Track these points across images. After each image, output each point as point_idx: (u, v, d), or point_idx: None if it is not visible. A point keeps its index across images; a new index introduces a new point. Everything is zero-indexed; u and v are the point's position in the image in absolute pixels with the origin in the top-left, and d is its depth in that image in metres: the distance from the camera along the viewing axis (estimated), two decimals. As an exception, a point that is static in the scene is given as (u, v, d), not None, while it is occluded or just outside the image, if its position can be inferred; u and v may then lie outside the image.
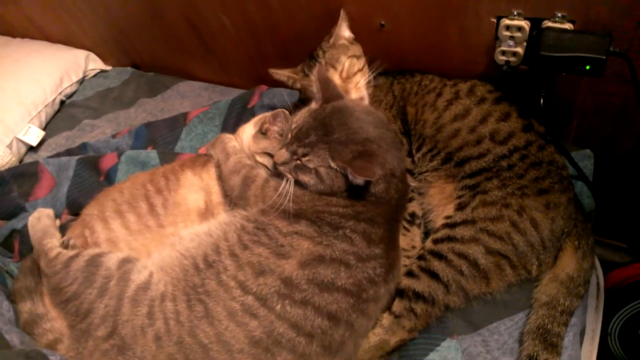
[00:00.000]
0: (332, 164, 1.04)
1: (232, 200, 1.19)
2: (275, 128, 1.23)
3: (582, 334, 1.14)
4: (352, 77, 1.32)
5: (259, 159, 1.25)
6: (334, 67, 1.32)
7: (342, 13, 1.35)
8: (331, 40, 1.35)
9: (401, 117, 1.35)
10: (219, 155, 1.27)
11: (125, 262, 1.08)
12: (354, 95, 1.32)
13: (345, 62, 1.32)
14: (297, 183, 1.09)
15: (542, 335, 1.06)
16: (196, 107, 1.78)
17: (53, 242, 1.17)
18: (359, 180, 1.01)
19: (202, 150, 1.58)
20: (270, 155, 1.21)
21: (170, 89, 1.94)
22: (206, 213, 1.24)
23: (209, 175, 1.28)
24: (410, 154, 1.33)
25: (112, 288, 1.04)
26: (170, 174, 1.28)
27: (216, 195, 1.25)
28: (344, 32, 1.36)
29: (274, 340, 0.95)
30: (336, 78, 1.31)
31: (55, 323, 1.11)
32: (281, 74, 1.41)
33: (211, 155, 1.31)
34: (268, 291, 0.98)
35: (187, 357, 0.95)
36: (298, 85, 1.40)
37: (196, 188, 1.26)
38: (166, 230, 1.21)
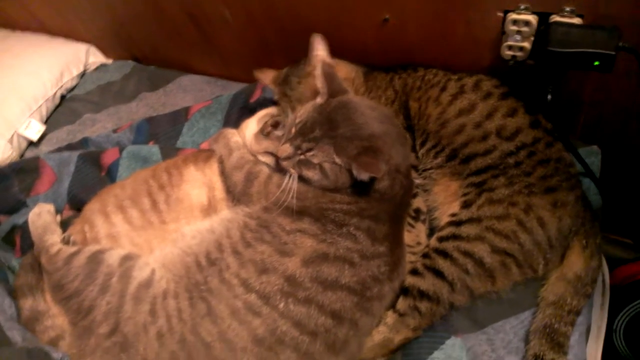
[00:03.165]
0: (337, 160, 1.03)
1: (235, 196, 1.18)
2: (277, 133, 1.22)
3: (587, 331, 1.13)
4: None
5: (262, 157, 1.23)
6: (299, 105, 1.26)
7: (317, 38, 1.28)
8: (307, 69, 1.31)
9: (404, 112, 1.33)
10: (222, 150, 1.26)
11: (127, 259, 1.07)
12: None
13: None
14: (301, 179, 1.08)
15: (549, 335, 1.05)
16: (198, 101, 1.77)
17: (54, 239, 1.16)
18: (364, 176, 1.00)
19: (204, 146, 1.57)
20: (273, 155, 1.20)
21: (172, 82, 1.92)
22: (209, 209, 1.22)
23: (212, 171, 1.26)
24: (414, 150, 1.31)
25: (114, 285, 1.03)
26: (172, 169, 1.27)
27: (219, 191, 1.23)
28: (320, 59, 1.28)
29: (277, 338, 0.94)
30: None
31: (56, 320, 1.10)
32: (264, 78, 1.41)
33: (214, 150, 1.30)
34: (271, 289, 0.97)
35: (189, 355, 0.94)
36: (276, 98, 1.37)
37: (199, 183, 1.24)
38: (169, 227, 1.19)
